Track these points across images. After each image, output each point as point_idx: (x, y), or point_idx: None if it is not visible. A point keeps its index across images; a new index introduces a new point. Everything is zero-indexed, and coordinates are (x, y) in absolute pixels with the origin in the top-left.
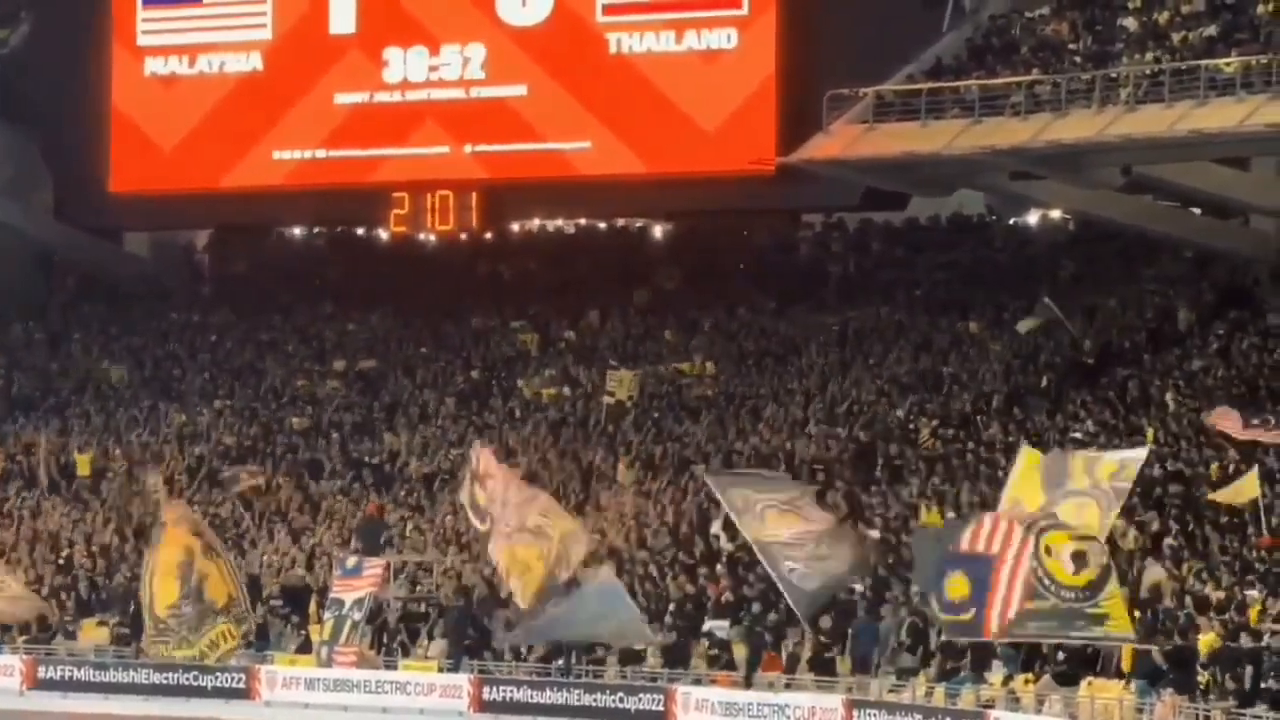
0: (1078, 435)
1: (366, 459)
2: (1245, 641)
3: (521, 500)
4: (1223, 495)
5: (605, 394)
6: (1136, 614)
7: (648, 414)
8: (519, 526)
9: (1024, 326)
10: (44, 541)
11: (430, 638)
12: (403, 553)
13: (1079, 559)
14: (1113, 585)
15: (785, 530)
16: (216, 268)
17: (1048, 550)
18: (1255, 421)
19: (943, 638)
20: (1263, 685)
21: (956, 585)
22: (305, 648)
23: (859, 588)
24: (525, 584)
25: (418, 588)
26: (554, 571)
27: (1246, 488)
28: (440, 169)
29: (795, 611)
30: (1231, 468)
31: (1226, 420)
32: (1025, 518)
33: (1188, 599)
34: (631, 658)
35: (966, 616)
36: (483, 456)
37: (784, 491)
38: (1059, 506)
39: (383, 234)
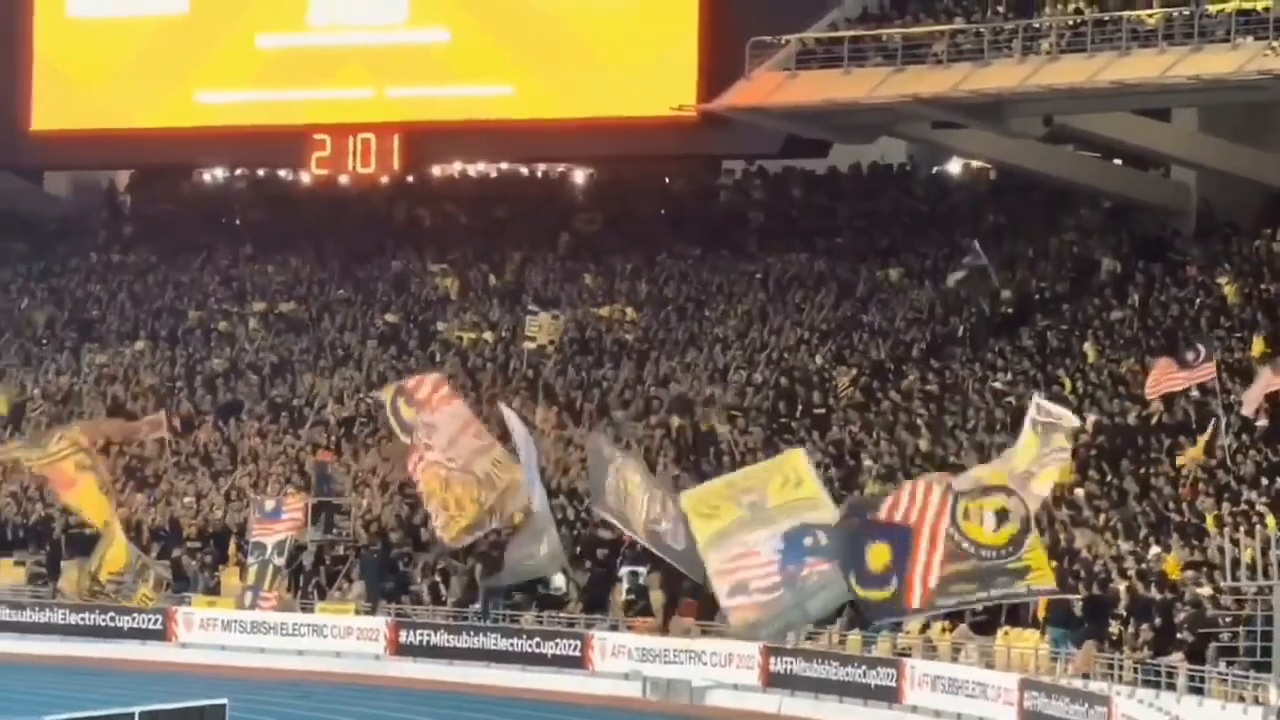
0: (996, 385)
1: (285, 401)
2: (1159, 593)
3: (477, 447)
4: (1188, 456)
5: (526, 338)
6: (1053, 564)
7: (568, 359)
8: (463, 467)
9: (954, 279)
10: None
11: (348, 580)
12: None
13: (1001, 516)
14: (1033, 537)
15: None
16: (137, 208)
17: (965, 513)
18: (1189, 358)
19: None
20: (1177, 636)
21: (878, 554)
22: (215, 589)
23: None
24: (452, 519)
25: (335, 531)
26: (485, 519)
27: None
28: (362, 112)
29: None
30: (1154, 419)
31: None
32: (945, 480)
33: (1104, 550)
34: (549, 603)
35: (887, 592)
36: (431, 386)
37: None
38: (1045, 469)
39: (304, 176)
